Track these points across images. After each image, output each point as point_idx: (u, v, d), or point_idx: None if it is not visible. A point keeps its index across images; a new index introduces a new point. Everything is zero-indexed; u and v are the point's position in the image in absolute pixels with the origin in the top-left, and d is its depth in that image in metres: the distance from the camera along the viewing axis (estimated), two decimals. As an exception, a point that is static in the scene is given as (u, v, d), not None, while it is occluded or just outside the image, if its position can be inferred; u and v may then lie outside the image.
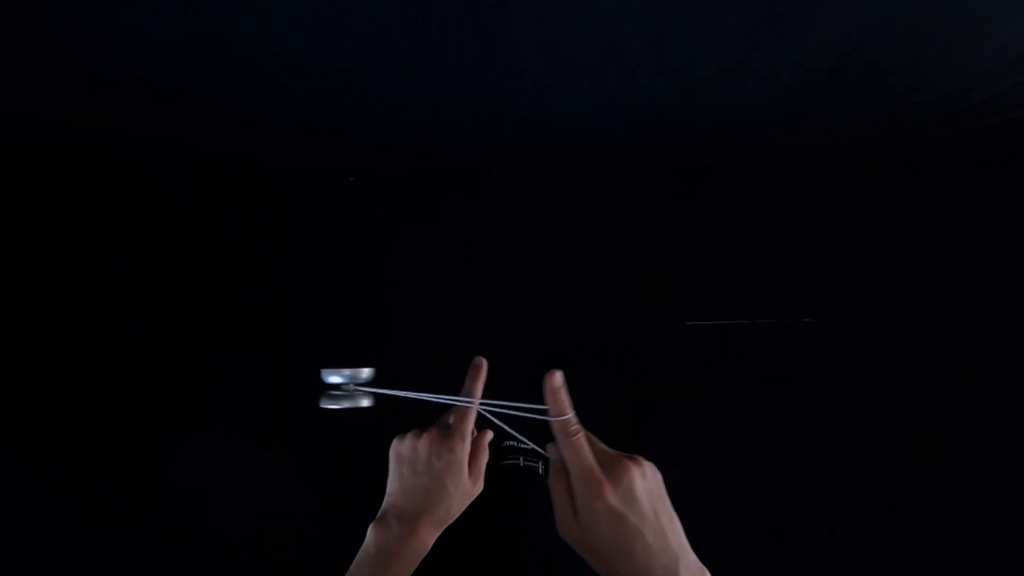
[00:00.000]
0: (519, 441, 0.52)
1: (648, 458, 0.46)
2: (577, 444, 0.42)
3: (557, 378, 0.45)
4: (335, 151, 1.40)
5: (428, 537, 0.50)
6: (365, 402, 0.47)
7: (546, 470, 1.28)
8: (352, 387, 0.46)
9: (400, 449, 0.52)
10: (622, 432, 1.41)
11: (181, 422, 1.31)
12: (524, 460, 1.30)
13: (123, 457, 1.29)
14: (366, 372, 0.47)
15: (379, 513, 0.51)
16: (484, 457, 0.55)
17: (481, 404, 0.52)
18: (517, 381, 1.55)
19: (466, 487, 0.52)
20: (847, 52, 0.92)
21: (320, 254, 1.44)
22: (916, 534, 1.30)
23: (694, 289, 1.43)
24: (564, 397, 0.45)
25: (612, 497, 0.39)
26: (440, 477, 0.50)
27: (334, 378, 0.46)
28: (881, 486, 1.33)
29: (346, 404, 0.46)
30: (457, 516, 0.52)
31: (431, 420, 0.59)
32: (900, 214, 1.50)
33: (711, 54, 0.92)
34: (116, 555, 1.24)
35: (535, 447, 0.50)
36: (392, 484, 0.53)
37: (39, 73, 0.93)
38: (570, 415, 0.44)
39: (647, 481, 0.42)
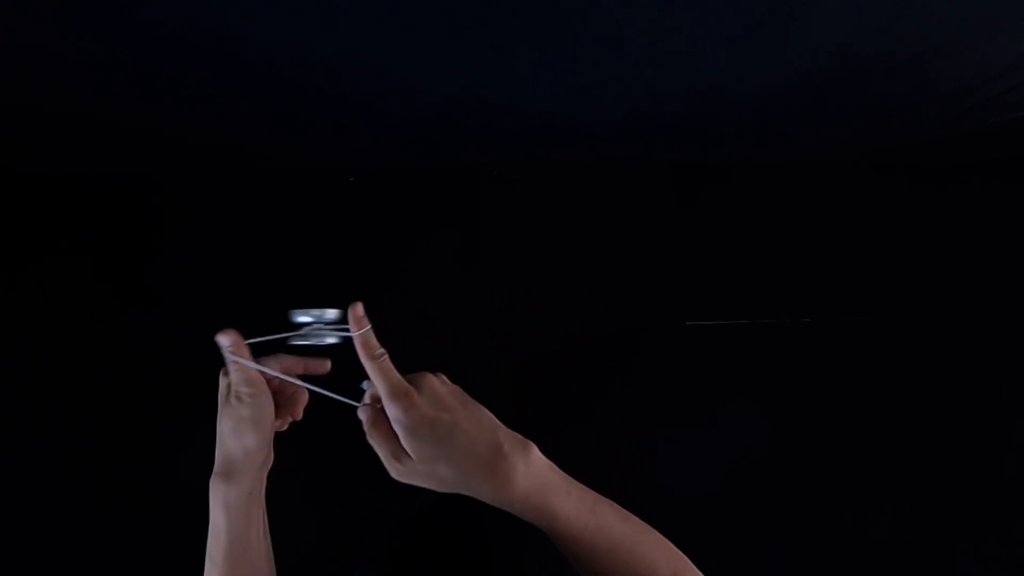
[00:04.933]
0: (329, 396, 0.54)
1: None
2: (385, 364, 0.45)
3: (359, 306, 0.48)
4: (335, 150, 1.40)
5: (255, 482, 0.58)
6: (330, 340, 0.52)
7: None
8: (319, 325, 0.52)
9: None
10: (622, 432, 1.41)
11: (181, 422, 1.31)
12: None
13: (124, 457, 1.29)
14: (332, 313, 0.52)
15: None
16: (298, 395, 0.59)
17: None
18: (516, 381, 1.56)
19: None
20: (847, 52, 0.92)
21: (320, 254, 1.44)
22: (917, 535, 1.30)
23: (694, 289, 1.43)
24: (367, 322, 0.47)
25: (423, 405, 0.43)
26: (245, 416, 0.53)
27: (302, 317, 0.52)
28: (881, 486, 1.33)
29: (312, 341, 0.51)
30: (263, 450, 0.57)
31: None
32: (900, 214, 1.50)
33: (711, 54, 0.92)
34: (116, 555, 1.24)
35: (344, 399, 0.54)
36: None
37: (37, 69, 0.93)
38: (370, 334, 0.47)
39: (446, 384, 0.46)
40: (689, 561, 0.47)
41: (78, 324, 1.37)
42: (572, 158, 1.49)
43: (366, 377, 0.48)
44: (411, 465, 0.42)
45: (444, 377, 0.47)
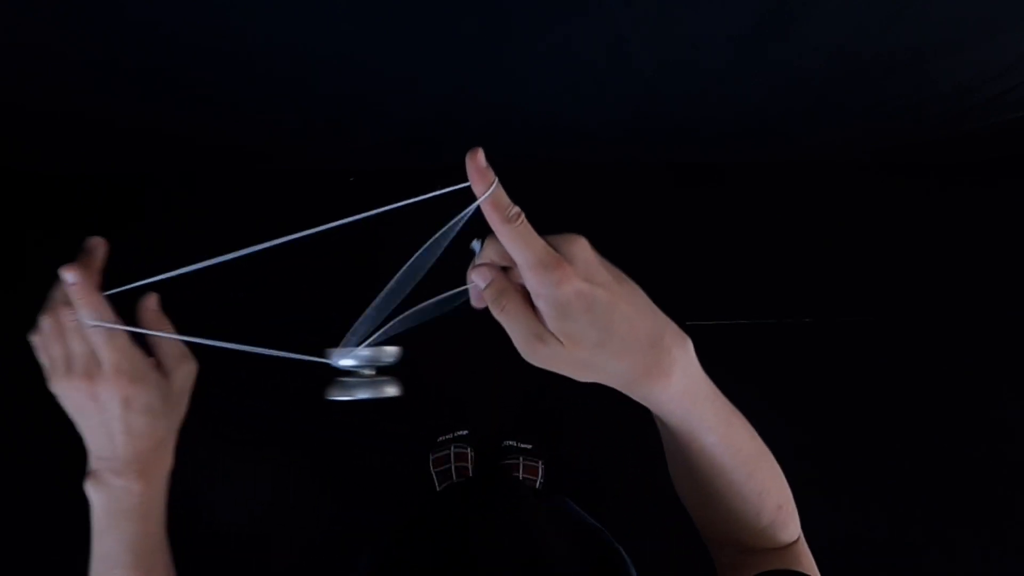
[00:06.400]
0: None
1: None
2: (524, 229, 0.33)
3: (480, 154, 0.34)
4: (335, 150, 1.40)
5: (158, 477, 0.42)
6: (390, 390, 0.35)
7: (547, 467, 1.29)
8: (371, 373, 0.35)
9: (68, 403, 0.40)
10: (623, 432, 1.41)
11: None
12: (524, 460, 1.31)
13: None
14: (391, 352, 0.36)
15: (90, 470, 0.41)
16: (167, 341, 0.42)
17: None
18: (516, 382, 1.55)
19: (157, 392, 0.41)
20: (847, 53, 0.92)
21: (320, 254, 1.44)
22: (917, 534, 1.30)
23: (694, 289, 1.43)
24: (492, 174, 0.34)
25: (577, 278, 0.32)
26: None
27: (346, 361, 0.34)
28: (881, 485, 1.33)
29: (364, 395, 0.34)
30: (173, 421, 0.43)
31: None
32: (900, 214, 1.50)
33: (712, 54, 0.92)
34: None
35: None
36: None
37: (37, 69, 0.93)
38: (500, 190, 0.34)
39: (594, 250, 0.35)
40: (791, 494, 0.41)
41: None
42: (572, 158, 1.49)
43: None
44: (556, 348, 0.33)
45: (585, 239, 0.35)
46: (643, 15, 0.81)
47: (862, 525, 1.30)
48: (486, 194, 0.34)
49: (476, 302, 0.37)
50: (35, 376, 0.41)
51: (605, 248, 0.35)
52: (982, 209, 1.49)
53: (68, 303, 0.38)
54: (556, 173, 1.51)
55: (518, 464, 1.28)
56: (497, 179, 0.34)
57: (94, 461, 0.40)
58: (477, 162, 0.34)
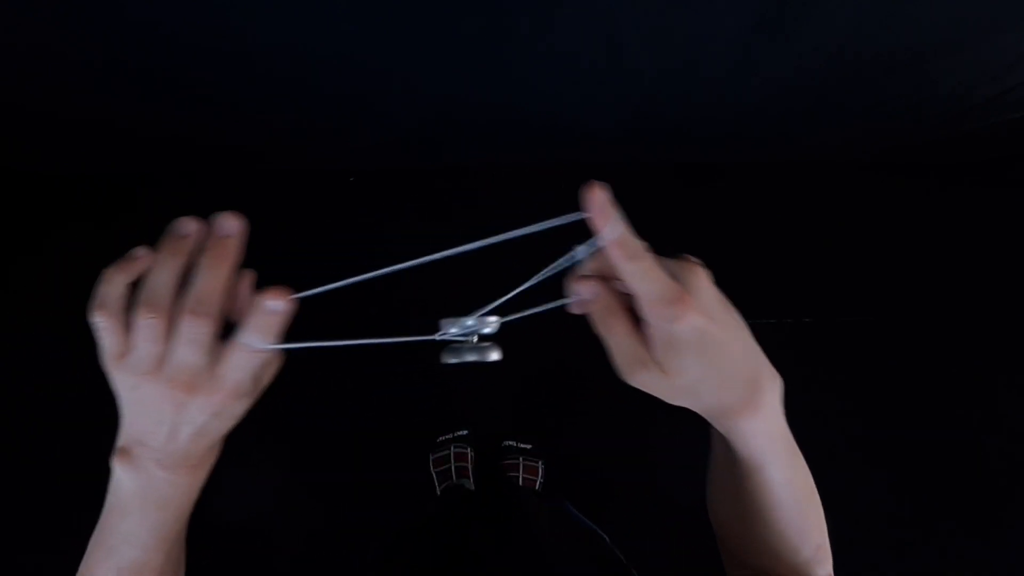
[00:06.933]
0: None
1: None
2: (649, 265, 0.32)
3: (600, 190, 0.32)
4: (335, 150, 1.40)
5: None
6: (494, 355, 0.39)
7: (547, 467, 1.29)
8: (475, 340, 0.39)
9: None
10: (623, 432, 1.41)
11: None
12: (524, 460, 1.31)
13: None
14: (493, 321, 0.39)
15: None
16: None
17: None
18: (516, 382, 1.55)
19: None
20: (847, 53, 0.92)
21: (320, 254, 1.44)
22: (917, 534, 1.30)
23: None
24: (616, 212, 0.32)
25: (696, 313, 0.31)
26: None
27: (454, 329, 0.39)
28: (882, 485, 1.33)
29: (471, 358, 0.38)
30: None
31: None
32: (900, 214, 1.50)
33: (711, 54, 0.92)
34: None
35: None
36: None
37: (39, 70, 0.93)
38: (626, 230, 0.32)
39: (711, 280, 0.34)
40: (827, 536, 0.42)
41: (78, 323, 1.37)
42: (572, 158, 1.49)
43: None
44: (656, 375, 0.32)
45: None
46: (643, 15, 0.81)
47: (862, 524, 1.30)
48: (611, 236, 0.32)
49: (577, 309, 0.37)
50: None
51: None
52: (982, 209, 1.49)
53: (199, 311, 0.30)
54: (556, 173, 1.50)
55: (518, 464, 1.28)
56: (619, 215, 0.32)
57: (134, 445, 0.34)
58: (598, 200, 0.32)
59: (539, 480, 1.28)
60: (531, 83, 1.03)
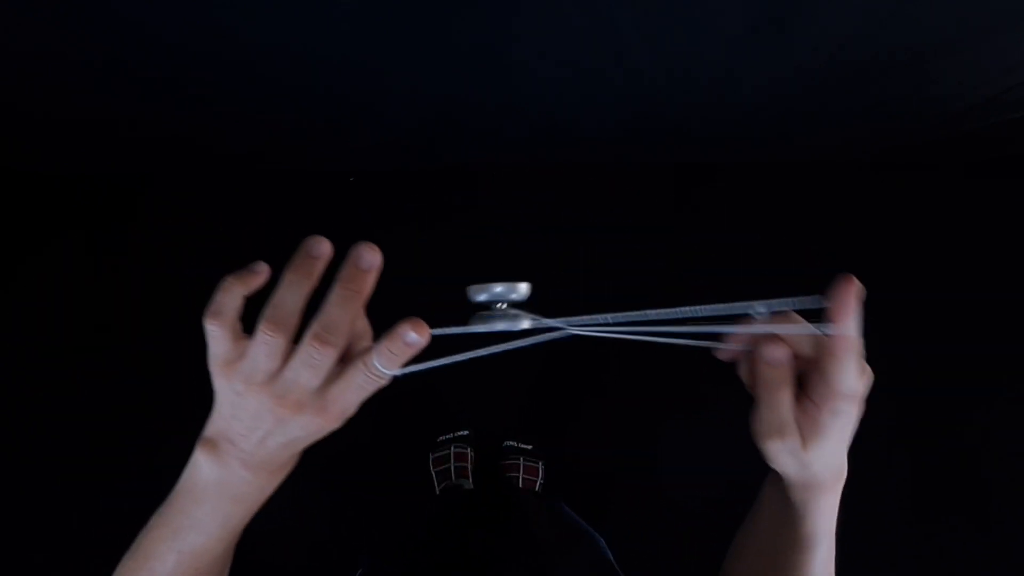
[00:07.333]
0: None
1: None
2: (862, 365, 0.34)
3: (856, 283, 0.33)
4: (335, 151, 1.40)
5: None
6: (524, 323, 0.37)
7: (547, 468, 1.29)
8: (504, 307, 0.37)
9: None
10: (623, 432, 1.41)
11: (181, 421, 1.31)
12: (524, 460, 1.31)
13: (121, 456, 1.29)
14: (523, 287, 0.37)
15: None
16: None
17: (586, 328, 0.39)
18: (517, 382, 1.55)
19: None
20: (846, 53, 0.92)
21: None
22: (917, 534, 1.30)
23: (694, 289, 1.43)
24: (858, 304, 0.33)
25: (862, 407, 0.34)
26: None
27: (480, 296, 0.36)
28: (882, 485, 1.33)
29: (501, 325, 0.36)
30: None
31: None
32: (900, 214, 1.50)
33: (711, 54, 0.92)
34: (114, 553, 1.24)
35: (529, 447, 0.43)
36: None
37: (39, 70, 0.93)
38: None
39: None
40: None
41: (78, 323, 1.37)
42: (572, 158, 1.49)
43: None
44: (794, 445, 0.34)
45: None
46: (643, 15, 0.81)
47: (863, 524, 1.30)
48: (847, 331, 0.33)
49: (727, 355, 0.38)
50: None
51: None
52: (982, 209, 1.49)
53: (327, 339, 0.31)
54: (556, 173, 1.51)
55: (518, 465, 1.28)
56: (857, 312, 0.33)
57: (222, 441, 0.34)
58: (850, 293, 0.33)
59: (539, 481, 1.28)
60: (531, 83, 1.02)
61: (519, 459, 1.29)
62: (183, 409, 1.31)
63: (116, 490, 1.27)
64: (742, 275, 1.47)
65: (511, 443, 1.32)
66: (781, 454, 0.35)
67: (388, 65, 0.93)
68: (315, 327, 0.31)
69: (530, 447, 1.32)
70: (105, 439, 1.30)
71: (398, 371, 0.33)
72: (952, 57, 0.94)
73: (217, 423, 0.34)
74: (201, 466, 0.35)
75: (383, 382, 0.33)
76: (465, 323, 0.38)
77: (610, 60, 0.94)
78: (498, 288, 0.36)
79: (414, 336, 0.32)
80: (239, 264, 0.33)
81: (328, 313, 0.31)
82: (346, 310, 0.31)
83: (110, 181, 1.46)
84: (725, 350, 0.38)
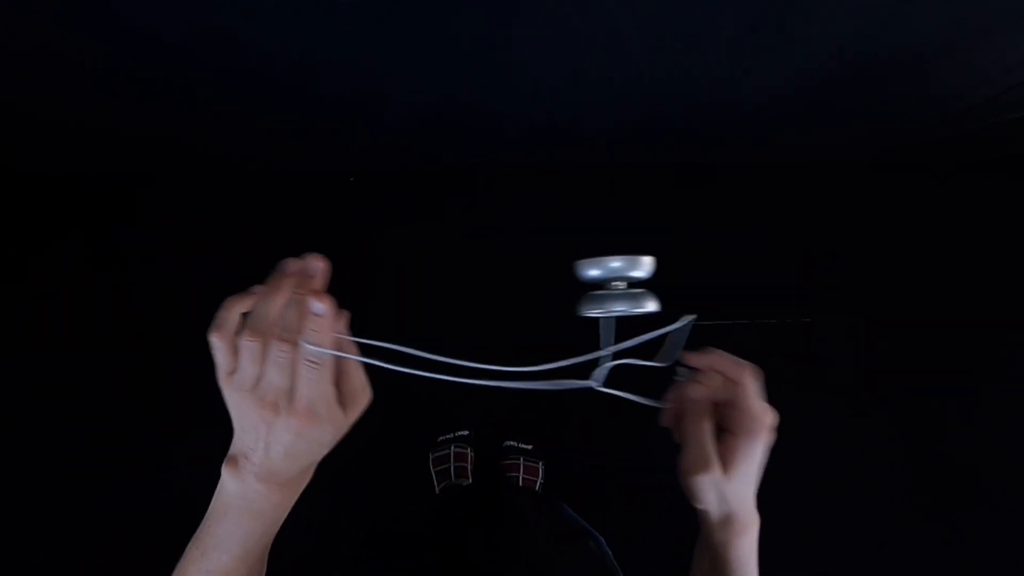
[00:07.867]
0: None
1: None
2: (756, 386, 0.39)
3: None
4: (335, 151, 1.40)
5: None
6: (651, 306, 0.31)
7: (547, 468, 1.29)
8: (622, 286, 0.30)
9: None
10: (623, 433, 1.41)
11: (181, 421, 1.31)
12: (524, 460, 1.31)
13: (121, 456, 1.29)
14: (647, 262, 0.30)
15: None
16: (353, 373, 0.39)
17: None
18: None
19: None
20: (846, 54, 0.92)
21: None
22: (916, 534, 1.30)
23: (694, 289, 1.43)
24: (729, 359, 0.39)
25: (768, 425, 0.38)
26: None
27: (593, 271, 0.29)
28: (882, 485, 1.33)
29: (620, 308, 0.29)
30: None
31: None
32: (900, 214, 1.50)
33: (711, 55, 0.92)
34: (113, 553, 1.24)
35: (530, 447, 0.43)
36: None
37: (39, 71, 0.93)
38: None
39: None
40: None
41: (78, 323, 1.37)
42: (572, 158, 1.49)
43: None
44: (717, 476, 0.38)
45: None
46: (643, 16, 0.81)
47: (862, 524, 1.30)
48: (755, 369, 0.38)
49: (667, 420, 0.43)
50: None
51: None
52: (982, 209, 1.49)
53: (284, 336, 0.35)
54: (556, 173, 1.51)
55: (518, 464, 1.28)
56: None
57: (240, 457, 0.38)
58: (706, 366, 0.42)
59: (539, 481, 1.28)
60: (531, 83, 1.03)
61: (519, 459, 1.29)
62: (183, 409, 1.31)
63: (116, 490, 1.27)
64: (742, 275, 1.48)
65: (511, 443, 1.32)
66: (705, 487, 0.38)
67: (388, 65, 0.93)
68: (277, 331, 0.35)
69: (530, 447, 1.31)
70: (105, 439, 1.30)
71: (327, 351, 0.35)
72: (952, 57, 0.94)
73: (235, 442, 0.38)
74: (225, 483, 0.38)
75: (320, 365, 0.36)
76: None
77: (610, 60, 0.94)
78: (615, 263, 0.31)
79: (319, 306, 0.36)
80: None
81: (286, 315, 0.35)
82: (297, 311, 0.36)
83: (110, 181, 1.46)
84: (665, 416, 0.42)
